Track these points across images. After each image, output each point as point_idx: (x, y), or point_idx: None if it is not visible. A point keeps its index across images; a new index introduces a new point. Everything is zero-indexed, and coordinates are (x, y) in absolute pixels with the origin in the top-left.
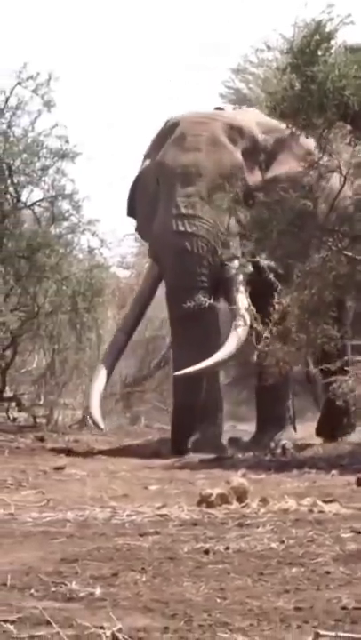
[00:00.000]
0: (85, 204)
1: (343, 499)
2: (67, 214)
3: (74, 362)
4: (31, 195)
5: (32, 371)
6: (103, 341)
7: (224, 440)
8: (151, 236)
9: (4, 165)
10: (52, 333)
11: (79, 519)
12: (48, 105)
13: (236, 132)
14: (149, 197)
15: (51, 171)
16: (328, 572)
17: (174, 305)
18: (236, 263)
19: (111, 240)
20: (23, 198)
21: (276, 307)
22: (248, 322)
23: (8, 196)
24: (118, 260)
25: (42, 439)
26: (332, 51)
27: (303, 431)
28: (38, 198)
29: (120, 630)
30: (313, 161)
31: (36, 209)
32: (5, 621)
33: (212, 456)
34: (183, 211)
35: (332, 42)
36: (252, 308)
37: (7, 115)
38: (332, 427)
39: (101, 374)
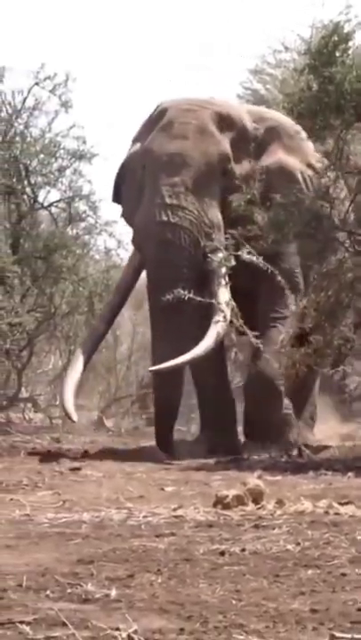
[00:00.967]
0: (102, 205)
1: (359, 501)
2: (84, 215)
3: (90, 363)
4: (48, 195)
5: (48, 371)
6: (120, 342)
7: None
8: (135, 224)
9: (21, 166)
10: (69, 334)
11: (95, 520)
12: (65, 105)
13: (225, 120)
14: (136, 183)
15: (68, 171)
16: (344, 574)
17: (154, 296)
18: (219, 256)
19: (128, 241)
20: (40, 199)
21: (294, 309)
22: (228, 317)
23: (25, 197)
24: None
25: (58, 440)
26: (350, 52)
27: (320, 433)
28: (55, 199)
29: (136, 632)
30: (331, 162)
31: (53, 210)
32: (21, 622)
33: (228, 457)
34: (167, 200)
35: (350, 43)
36: (232, 302)
37: (24, 115)
38: None
39: (78, 364)
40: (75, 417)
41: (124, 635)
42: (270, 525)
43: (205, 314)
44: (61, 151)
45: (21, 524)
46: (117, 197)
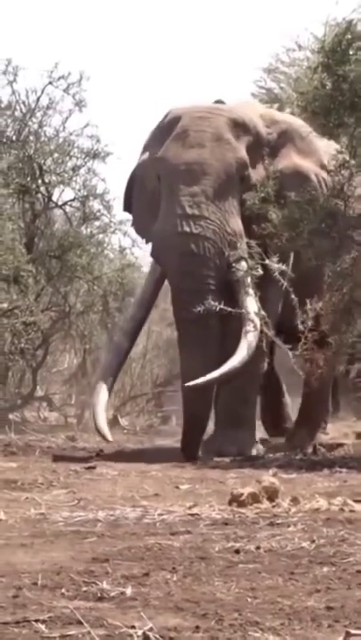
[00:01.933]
0: (117, 204)
1: None
2: (98, 214)
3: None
4: (62, 194)
5: (63, 370)
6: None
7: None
8: (150, 234)
9: (36, 165)
10: (84, 333)
11: (110, 518)
12: (79, 104)
13: (240, 127)
14: (148, 194)
15: (82, 170)
16: (359, 572)
17: (181, 308)
18: (243, 265)
19: (142, 240)
20: (54, 198)
21: (311, 312)
22: (258, 326)
23: (39, 196)
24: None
25: (73, 439)
26: None
27: (334, 431)
28: (69, 198)
29: (151, 630)
30: (344, 160)
31: (68, 209)
32: (37, 621)
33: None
34: (188, 211)
35: None
36: (262, 312)
37: (38, 114)
38: None
39: (105, 385)
40: (110, 437)
41: (140, 633)
42: (285, 523)
43: (231, 324)
44: (75, 150)
45: (36, 523)
46: (128, 207)
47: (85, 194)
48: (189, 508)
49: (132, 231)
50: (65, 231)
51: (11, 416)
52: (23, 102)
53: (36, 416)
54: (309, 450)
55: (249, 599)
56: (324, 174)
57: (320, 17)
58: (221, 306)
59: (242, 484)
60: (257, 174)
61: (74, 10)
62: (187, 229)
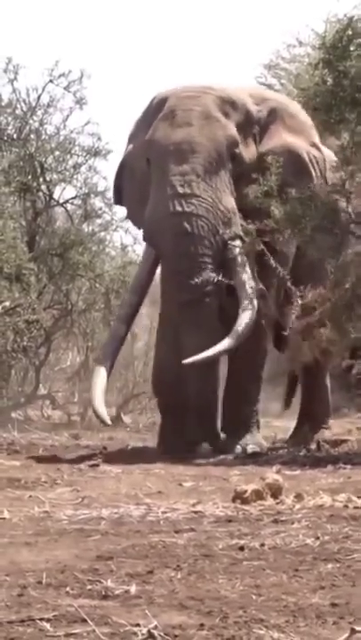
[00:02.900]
0: None
1: None
2: (99, 212)
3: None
4: (64, 192)
5: (66, 368)
6: (137, 339)
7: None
8: (144, 220)
9: (37, 163)
10: (86, 331)
11: (114, 516)
12: (80, 102)
13: (229, 104)
14: (138, 181)
15: (83, 168)
16: None
17: (178, 290)
18: (238, 242)
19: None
20: (56, 196)
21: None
22: (255, 304)
23: (40, 194)
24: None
25: (76, 437)
26: None
27: (338, 427)
28: (71, 196)
29: (156, 628)
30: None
31: (69, 206)
32: (41, 619)
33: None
34: (179, 190)
35: None
36: (260, 286)
37: (39, 112)
38: None
39: (103, 368)
40: (108, 421)
41: (144, 630)
42: (289, 520)
43: (227, 303)
44: (76, 148)
45: (40, 521)
46: (119, 199)
47: (87, 191)
48: (193, 505)
49: (133, 228)
50: (66, 229)
51: (14, 414)
52: (24, 100)
53: (39, 414)
54: (313, 446)
55: (253, 596)
56: (314, 152)
57: (321, 13)
58: (220, 278)
59: (245, 480)
60: (248, 152)
61: (74, 8)
62: (179, 209)
